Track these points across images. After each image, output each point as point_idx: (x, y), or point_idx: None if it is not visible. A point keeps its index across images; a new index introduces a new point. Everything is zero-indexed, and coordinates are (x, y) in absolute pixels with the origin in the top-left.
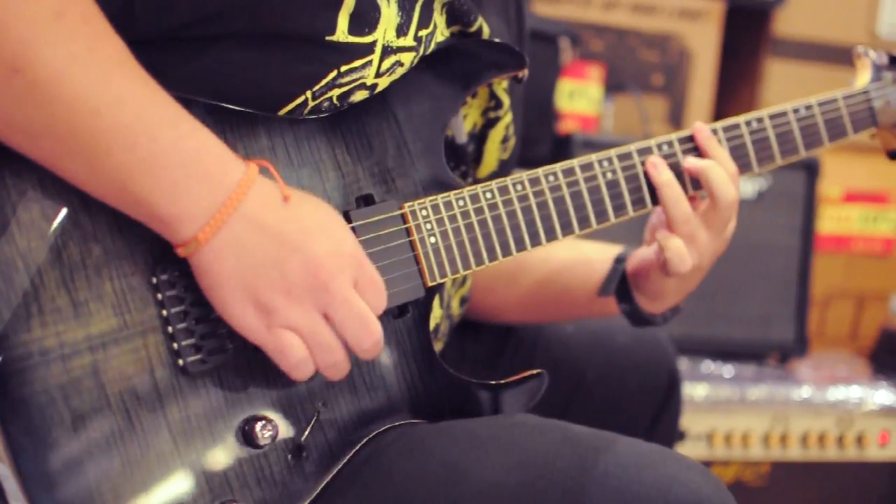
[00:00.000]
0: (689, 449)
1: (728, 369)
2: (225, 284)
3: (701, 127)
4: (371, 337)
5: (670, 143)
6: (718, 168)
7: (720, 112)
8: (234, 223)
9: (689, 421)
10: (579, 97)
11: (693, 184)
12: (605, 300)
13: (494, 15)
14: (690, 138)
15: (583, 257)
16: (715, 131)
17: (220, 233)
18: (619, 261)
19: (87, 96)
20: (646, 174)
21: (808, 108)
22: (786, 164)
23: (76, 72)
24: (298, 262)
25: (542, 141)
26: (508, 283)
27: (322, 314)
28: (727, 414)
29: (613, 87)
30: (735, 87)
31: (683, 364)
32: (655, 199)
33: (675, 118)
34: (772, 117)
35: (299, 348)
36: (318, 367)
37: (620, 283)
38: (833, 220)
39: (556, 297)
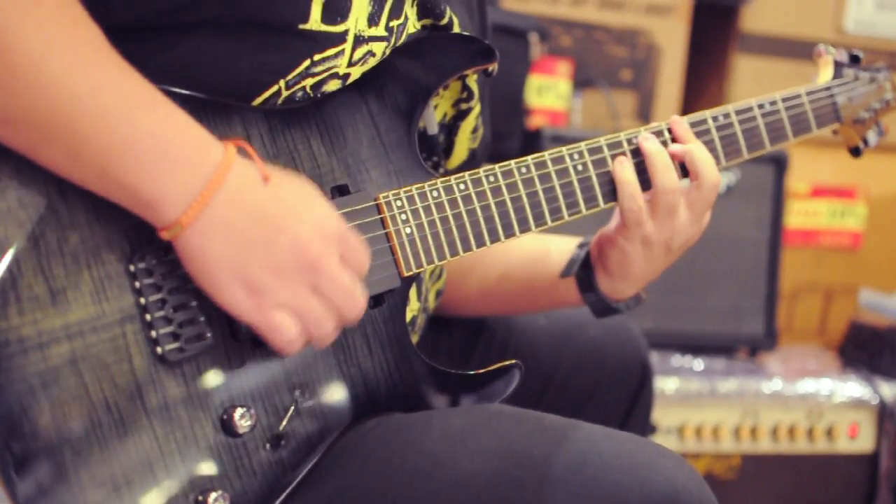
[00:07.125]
0: (660, 442)
1: (698, 363)
2: (213, 267)
3: (679, 119)
4: (357, 308)
5: (660, 133)
6: (703, 149)
7: (688, 107)
8: (216, 205)
9: (659, 414)
10: (548, 92)
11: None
12: (567, 290)
13: (458, 6)
14: (669, 131)
15: (544, 247)
16: None
17: (203, 215)
18: (582, 246)
19: (64, 82)
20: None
21: (773, 103)
22: (754, 159)
23: (54, 57)
24: (286, 242)
25: (513, 135)
26: (468, 278)
27: (311, 289)
28: (698, 407)
29: (582, 82)
30: (703, 83)
31: (654, 358)
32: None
33: (644, 113)
34: (738, 112)
35: (292, 327)
36: (309, 339)
37: (584, 271)
38: (801, 214)
39: (519, 288)
